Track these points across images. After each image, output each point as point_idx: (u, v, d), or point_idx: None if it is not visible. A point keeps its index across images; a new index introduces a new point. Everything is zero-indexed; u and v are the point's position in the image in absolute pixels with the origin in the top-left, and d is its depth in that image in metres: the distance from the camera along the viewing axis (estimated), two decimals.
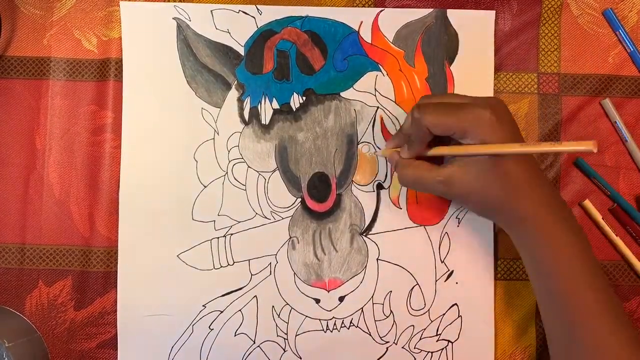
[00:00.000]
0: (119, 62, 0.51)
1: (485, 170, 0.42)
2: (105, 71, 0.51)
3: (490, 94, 0.51)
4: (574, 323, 0.41)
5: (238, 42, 0.51)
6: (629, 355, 0.40)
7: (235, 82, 0.51)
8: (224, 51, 0.51)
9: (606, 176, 0.51)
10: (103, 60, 0.51)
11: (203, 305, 0.50)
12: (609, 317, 0.41)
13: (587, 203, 0.51)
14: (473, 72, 0.51)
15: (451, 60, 0.51)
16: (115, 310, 0.50)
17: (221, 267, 0.50)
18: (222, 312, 0.50)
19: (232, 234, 0.50)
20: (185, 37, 0.51)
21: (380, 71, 0.51)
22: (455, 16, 0.51)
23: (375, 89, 0.51)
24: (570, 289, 0.42)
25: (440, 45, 0.51)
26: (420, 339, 0.50)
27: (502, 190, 0.42)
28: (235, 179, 0.50)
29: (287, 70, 0.50)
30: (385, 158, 0.50)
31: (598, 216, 0.51)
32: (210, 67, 0.51)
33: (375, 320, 0.50)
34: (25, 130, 0.51)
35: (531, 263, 0.44)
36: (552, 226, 0.42)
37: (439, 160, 0.45)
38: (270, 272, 0.50)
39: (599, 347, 0.41)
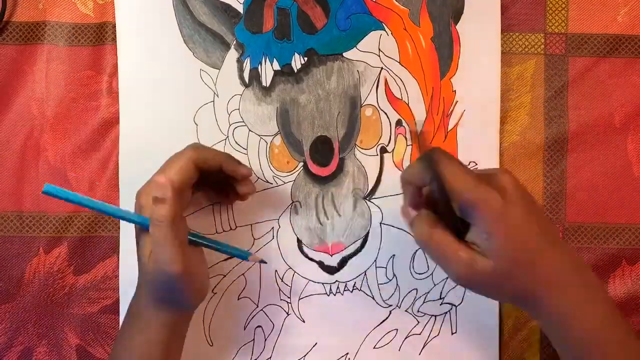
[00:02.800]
0: (115, 26, 0.50)
1: (509, 262, 0.38)
2: (102, 35, 0.50)
3: (497, 53, 0.50)
4: None
5: None
6: None
7: (235, 41, 0.49)
8: (222, 9, 0.49)
9: (614, 137, 0.50)
10: (99, 24, 0.50)
11: None
12: None
13: None
14: (479, 32, 0.50)
15: (457, 19, 0.50)
16: (117, 276, 0.50)
17: (224, 231, 0.50)
18: (224, 276, 0.50)
19: None
20: None
21: (385, 30, 0.50)
22: None
23: (379, 49, 0.50)
24: None
25: (446, 3, 0.50)
26: (423, 302, 0.50)
27: (528, 283, 0.38)
28: (237, 142, 0.50)
29: (288, 29, 0.49)
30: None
31: None
32: (209, 25, 0.49)
33: (378, 284, 0.50)
34: (22, 96, 0.50)
35: (563, 347, 0.41)
36: (577, 306, 0.39)
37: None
38: (273, 236, 0.50)
39: None
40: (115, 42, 0.50)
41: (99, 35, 0.50)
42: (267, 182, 0.50)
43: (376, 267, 0.50)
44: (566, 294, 0.38)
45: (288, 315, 0.50)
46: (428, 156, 0.39)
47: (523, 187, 0.39)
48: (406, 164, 0.50)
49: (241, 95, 0.50)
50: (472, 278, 0.38)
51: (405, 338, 0.50)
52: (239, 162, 0.45)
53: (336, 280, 0.50)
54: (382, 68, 0.50)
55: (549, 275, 0.38)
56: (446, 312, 0.50)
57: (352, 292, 0.50)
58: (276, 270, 0.50)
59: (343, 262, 0.50)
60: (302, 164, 0.50)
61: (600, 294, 0.40)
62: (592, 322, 0.39)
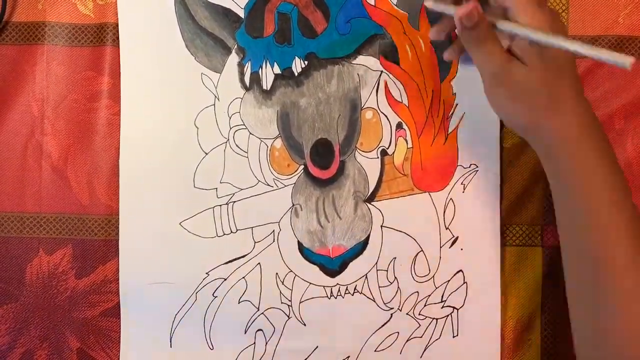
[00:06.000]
0: (115, 27, 0.50)
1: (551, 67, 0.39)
2: (102, 36, 0.50)
3: None
4: (603, 260, 0.40)
5: (238, 4, 0.49)
6: None
7: (236, 46, 0.49)
8: (224, 13, 0.49)
9: (614, 139, 0.50)
10: (99, 25, 0.50)
11: (206, 273, 0.50)
12: None
13: None
14: None
15: None
16: (118, 279, 0.50)
17: (224, 234, 0.50)
18: (225, 279, 0.50)
19: (234, 202, 0.50)
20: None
21: (384, 34, 0.50)
22: None
23: (379, 53, 0.50)
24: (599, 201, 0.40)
25: None
26: (425, 305, 0.50)
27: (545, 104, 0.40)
28: (237, 145, 0.50)
29: (289, 34, 0.49)
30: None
31: None
32: (210, 30, 0.49)
33: (379, 287, 0.50)
34: (22, 97, 0.50)
35: (560, 189, 0.42)
36: (585, 153, 0.40)
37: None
38: (274, 239, 0.50)
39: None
40: (115, 43, 0.50)
41: (99, 35, 0.50)
42: (268, 185, 0.50)
43: (377, 270, 0.50)
44: (579, 132, 0.40)
45: (289, 318, 0.50)
46: None
47: None
48: (407, 166, 0.50)
49: (242, 98, 0.50)
50: (503, 80, 0.39)
51: (407, 341, 0.50)
52: None
53: (337, 283, 0.50)
54: (382, 71, 0.50)
55: (572, 100, 0.40)
56: (447, 315, 0.50)
57: (353, 295, 0.50)
58: (277, 274, 0.50)
59: (344, 265, 0.50)
60: (302, 166, 0.50)
61: (609, 152, 0.41)
62: (593, 173, 0.40)
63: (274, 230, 0.50)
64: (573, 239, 0.42)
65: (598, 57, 0.35)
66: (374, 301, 0.50)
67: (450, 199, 0.50)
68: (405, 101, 0.50)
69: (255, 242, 0.50)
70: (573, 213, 0.42)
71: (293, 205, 0.50)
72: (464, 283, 0.50)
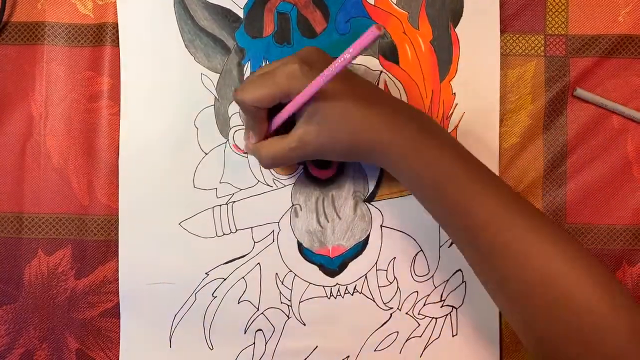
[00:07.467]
0: (115, 27, 0.50)
1: (326, 118, 0.41)
2: (102, 36, 0.50)
3: (497, 56, 0.50)
4: (475, 227, 0.41)
5: (237, 4, 0.49)
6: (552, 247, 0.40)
7: (235, 46, 0.49)
8: (223, 14, 0.49)
9: (614, 139, 0.50)
10: (99, 25, 0.50)
11: (206, 273, 0.50)
12: (517, 212, 0.41)
13: None
14: (478, 34, 0.50)
15: (456, 22, 0.50)
16: (117, 279, 0.50)
17: (224, 234, 0.50)
18: (225, 279, 0.50)
19: (234, 202, 0.50)
20: (183, 0, 0.49)
21: (384, 34, 0.50)
22: None
23: (378, 52, 0.50)
24: (462, 195, 0.41)
25: (445, 6, 0.50)
26: (424, 304, 0.50)
27: (349, 130, 0.42)
28: (237, 145, 0.50)
29: (288, 34, 0.49)
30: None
31: None
32: (209, 30, 0.49)
33: (379, 287, 0.50)
34: (21, 97, 0.50)
35: (413, 185, 0.44)
36: (412, 141, 0.42)
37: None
38: (273, 239, 0.50)
39: (512, 243, 0.40)
40: (115, 43, 0.50)
41: (99, 36, 0.50)
42: (268, 185, 0.50)
43: (377, 270, 0.50)
44: (400, 134, 0.42)
45: (289, 318, 0.50)
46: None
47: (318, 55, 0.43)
48: None
49: None
50: (306, 149, 0.42)
51: (406, 340, 0.50)
52: None
53: (337, 283, 0.50)
54: (381, 71, 0.50)
55: (356, 115, 0.42)
56: (447, 315, 0.50)
57: (352, 295, 0.50)
58: (277, 274, 0.50)
59: (343, 265, 0.50)
60: (302, 166, 0.50)
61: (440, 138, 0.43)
62: (428, 160, 0.42)
63: (273, 230, 0.50)
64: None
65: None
66: (374, 301, 0.50)
67: None
68: (405, 101, 0.50)
69: (254, 242, 0.50)
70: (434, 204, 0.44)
71: (293, 205, 0.50)
72: (462, 282, 0.50)
